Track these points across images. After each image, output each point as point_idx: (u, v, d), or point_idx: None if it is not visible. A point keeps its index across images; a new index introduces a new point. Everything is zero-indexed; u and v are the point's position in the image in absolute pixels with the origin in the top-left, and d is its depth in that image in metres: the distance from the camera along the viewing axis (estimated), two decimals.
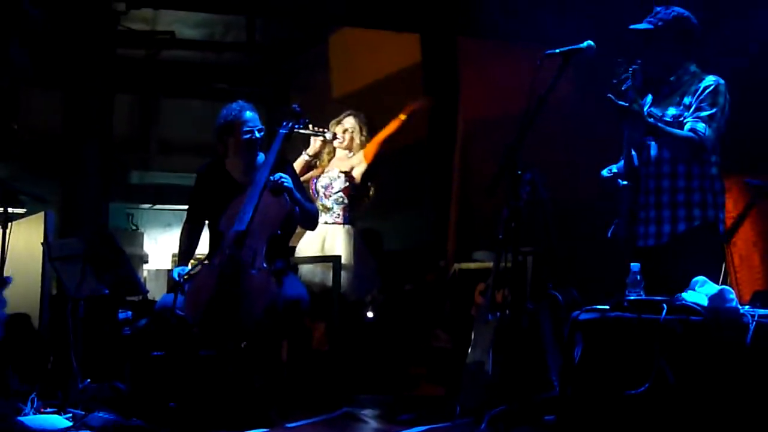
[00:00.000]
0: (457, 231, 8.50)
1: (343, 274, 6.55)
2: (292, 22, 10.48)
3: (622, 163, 4.84)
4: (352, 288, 6.78)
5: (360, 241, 6.98)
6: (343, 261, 6.62)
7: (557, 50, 4.59)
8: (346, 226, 6.89)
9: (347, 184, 6.90)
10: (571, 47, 4.59)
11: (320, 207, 6.79)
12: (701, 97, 4.67)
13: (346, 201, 6.89)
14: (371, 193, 7.11)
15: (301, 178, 6.56)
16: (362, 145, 7.02)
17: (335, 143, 6.99)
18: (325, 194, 6.90)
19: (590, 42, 4.59)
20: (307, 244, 6.83)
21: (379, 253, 7.79)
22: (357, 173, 6.97)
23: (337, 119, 7.09)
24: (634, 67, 4.59)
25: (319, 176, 7.01)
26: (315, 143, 7.01)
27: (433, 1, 8.30)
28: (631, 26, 4.79)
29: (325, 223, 6.83)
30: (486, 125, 8.25)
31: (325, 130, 6.89)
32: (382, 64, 9.66)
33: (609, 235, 4.84)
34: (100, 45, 8.51)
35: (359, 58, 10.01)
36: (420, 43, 9.11)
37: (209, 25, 11.00)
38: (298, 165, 6.91)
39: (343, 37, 10.09)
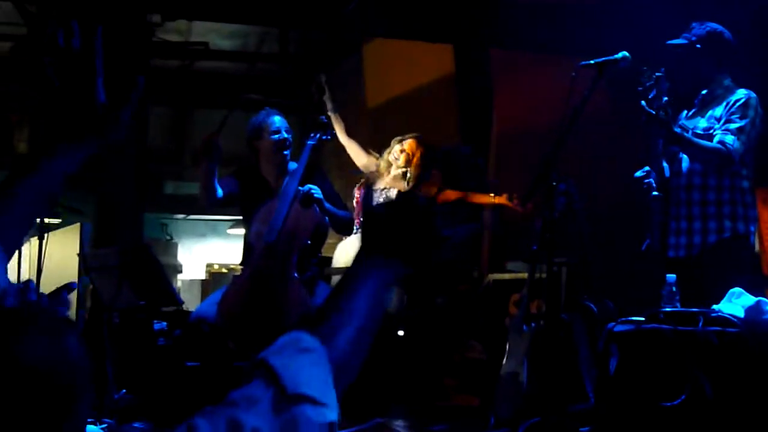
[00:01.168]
0: (491, 241, 8.48)
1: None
2: (326, 34, 10.50)
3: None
4: (397, 300, 6.75)
5: None
6: None
7: (592, 61, 4.60)
8: None
9: None
10: (605, 58, 4.60)
11: None
12: (731, 110, 4.67)
13: None
14: None
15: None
16: (416, 168, 6.96)
17: (390, 158, 6.94)
18: None
19: (625, 53, 4.59)
20: (351, 250, 6.78)
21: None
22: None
23: (402, 138, 7.05)
24: (658, 74, 4.58)
25: (369, 186, 6.99)
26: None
27: (466, 12, 8.29)
28: (668, 42, 4.81)
29: None
30: (520, 136, 8.23)
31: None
32: (415, 75, 9.66)
33: (643, 248, 4.83)
34: (135, 56, 8.57)
35: (393, 69, 10.01)
36: (453, 54, 9.10)
37: (243, 36, 11.05)
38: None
39: (377, 47, 10.10)
